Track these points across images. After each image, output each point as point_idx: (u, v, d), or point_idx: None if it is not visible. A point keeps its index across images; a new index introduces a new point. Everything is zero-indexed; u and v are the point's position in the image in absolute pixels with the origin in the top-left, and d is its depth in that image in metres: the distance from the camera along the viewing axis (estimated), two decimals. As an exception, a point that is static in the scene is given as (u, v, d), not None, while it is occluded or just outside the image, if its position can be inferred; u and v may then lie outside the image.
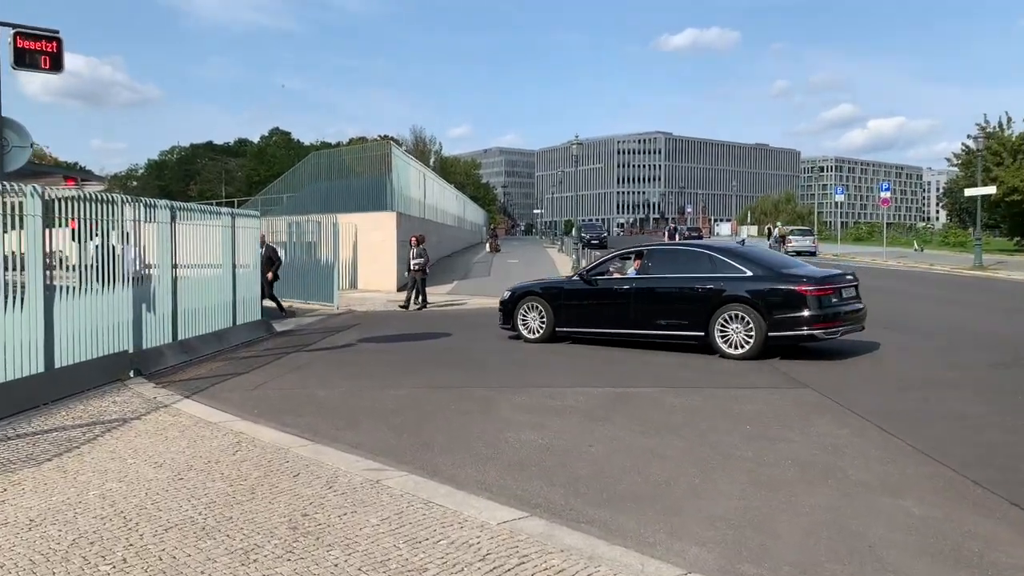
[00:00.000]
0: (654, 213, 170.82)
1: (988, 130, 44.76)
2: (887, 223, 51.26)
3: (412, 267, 19.57)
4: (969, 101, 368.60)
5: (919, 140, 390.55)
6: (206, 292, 12.84)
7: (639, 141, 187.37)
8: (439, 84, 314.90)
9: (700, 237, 79.23)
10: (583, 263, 28.90)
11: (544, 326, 12.93)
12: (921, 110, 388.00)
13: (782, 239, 50.20)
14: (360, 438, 6.99)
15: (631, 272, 12.62)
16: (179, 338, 11.73)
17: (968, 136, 54.04)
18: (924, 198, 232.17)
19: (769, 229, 55.62)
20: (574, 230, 43.67)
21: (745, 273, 11.31)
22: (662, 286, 11.89)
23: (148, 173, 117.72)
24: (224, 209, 14.08)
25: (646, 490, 5.51)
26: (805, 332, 10.85)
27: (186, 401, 8.51)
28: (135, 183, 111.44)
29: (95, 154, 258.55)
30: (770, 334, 10.87)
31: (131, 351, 10.27)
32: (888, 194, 42.90)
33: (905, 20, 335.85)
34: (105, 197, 10.09)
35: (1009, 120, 47.04)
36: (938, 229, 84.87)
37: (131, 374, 9.91)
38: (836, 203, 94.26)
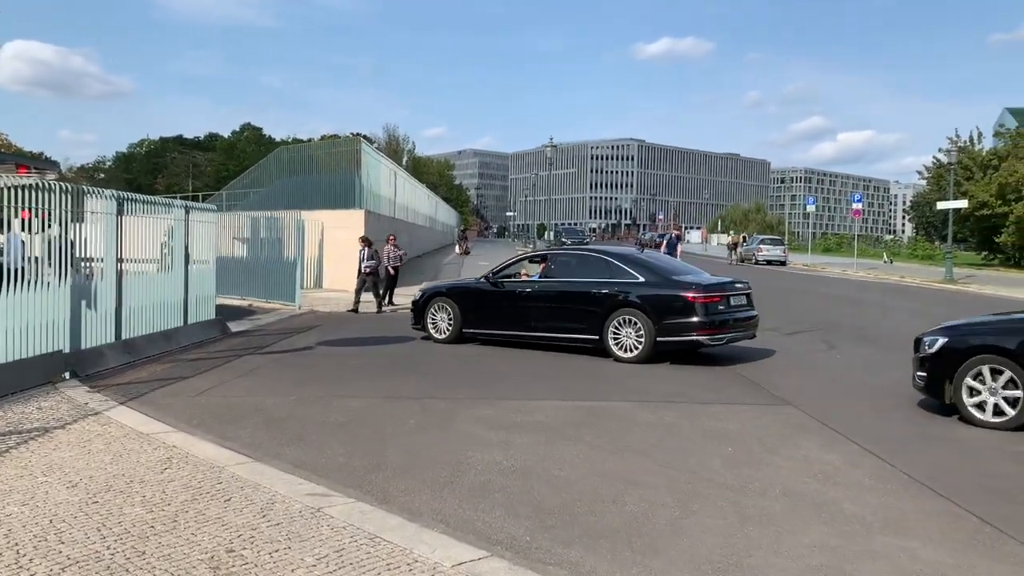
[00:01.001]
0: (626, 219, 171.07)
1: (959, 144, 44.96)
2: (856, 235, 51.33)
3: (363, 269, 18.72)
4: (936, 117, 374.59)
5: (887, 154, 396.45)
6: (155, 289, 12.08)
7: (613, 147, 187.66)
8: (416, 85, 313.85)
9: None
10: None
11: (452, 327, 13.01)
12: (890, 124, 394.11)
13: (734, 246, 52.86)
14: (305, 456, 6.33)
15: (536, 276, 12.79)
16: (123, 337, 10.97)
17: (939, 150, 54.45)
18: (891, 211, 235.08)
19: (732, 242, 55.06)
20: (551, 234, 43.33)
21: (638, 279, 11.53)
22: (561, 290, 12.13)
23: (116, 166, 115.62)
24: (178, 201, 13.31)
25: (621, 524, 4.92)
26: (691, 338, 11.05)
27: (120, 408, 7.78)
28: (102, 175, 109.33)
29: (64, 145, 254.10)
30: (658, 339, 11.06)
31: (67, 351, 9.51)
32: (860, 205, 42.89)
33: (877, 34, 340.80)
34: (42, 185, 9.32)
35: (980, 135, 47.41)
36: (906, 242, 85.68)
37: (65, 376, 9.16)
38: (806, 214, 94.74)
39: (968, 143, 47.09)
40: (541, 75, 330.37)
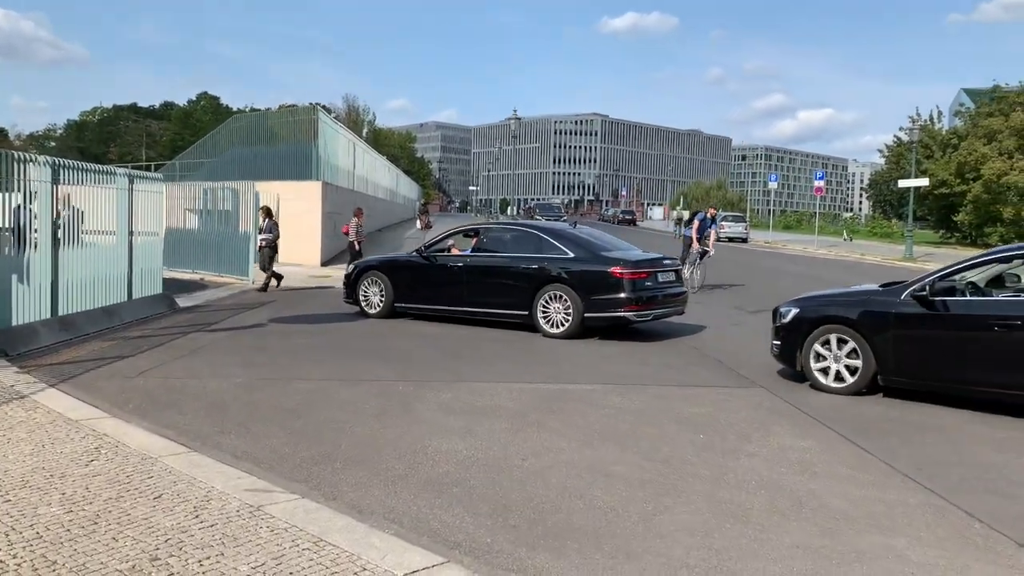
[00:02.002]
0: (589, 195, 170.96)
1: (920, 123, 45.23)
2: (817, 213, 51.61)
3: (260, 243, 17.41)
4: (894, 97, 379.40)
5: (845, 132, 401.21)
6: (95, 262, 11.40)
7: (576, 122, 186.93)
8: (378, 56, 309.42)
9: (634, 221, 79.29)
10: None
11: (384, 301, 12.83)
12: (848, 103, 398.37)
13: (679, 221, 52.71)
14: (249, 445, 5.84)
15: (468, 250, 12.65)
16: (59, 314, 10.31)
17: (900, 128, 54.81)
18: (849, 189, 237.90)
19: (678, 217, 55.14)
20: (513, 209, 42.59)
21: (567, 254, 11.48)
22: (492, 265, 12.06)
23: (67, 134, 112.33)
24: (120, 170, 12.60)
25: (590, 522, 4.54)
26: (618, 314, 11.04)
27: (49, 391, 7.20)
28: (53, 143, 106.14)
29: (16, 112, 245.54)
30: (586, 315, 11.05)
31: (-5, 328, 8.87)
32: (822, 183, 43.01)
33: (837, 13, 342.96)
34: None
35: (940, 114, 47.75)
36: (863, 220, 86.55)
37: (-7, 355, 8.53)
38: (767, 191, 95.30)
39: (928, 122, 47.44)
40: (505, 48, 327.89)
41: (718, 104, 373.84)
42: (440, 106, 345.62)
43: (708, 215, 19.22)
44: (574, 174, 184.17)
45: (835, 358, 8.06)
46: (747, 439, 6.38)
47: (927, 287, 7.62)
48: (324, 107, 37.29)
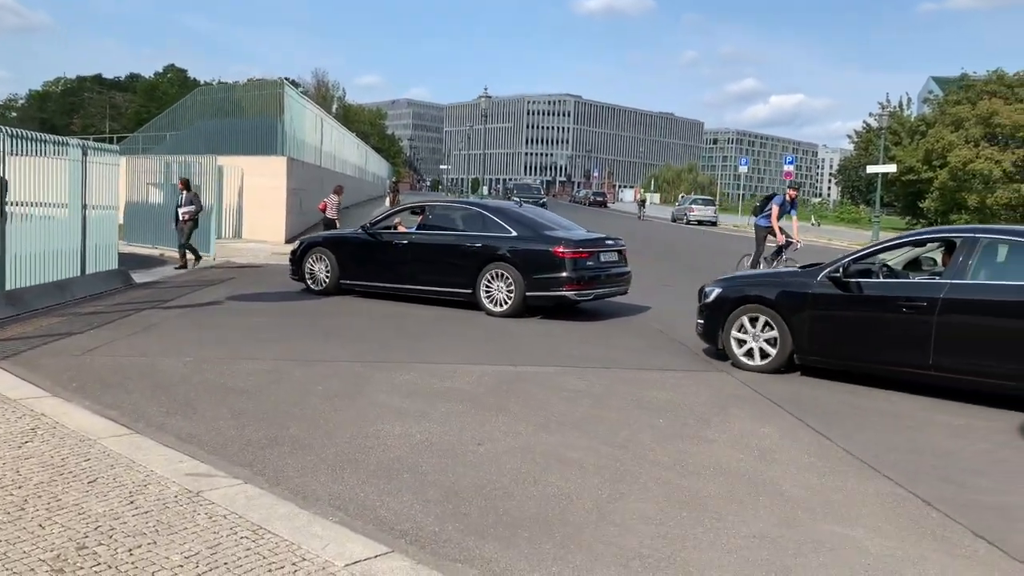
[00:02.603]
0: (561, 176, 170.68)
1: (889, 109, 45.55)
2: (787, 197, 51.90)
3: (181, 216, 16.28)
4: (865, 83, 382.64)
5: (816, 118, 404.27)
6: (47, 236, 11.04)
7: (549, 103, 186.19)
8: (350, 31, 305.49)
9: (605, 203, 79.27)
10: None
11: (329, 278, 12.77)
12: (820, 89, 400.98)
13: (642, 203, 58.32)
14: (194, 427, 5.64)
15: (414, 228, 12.62)
16: (7, 288, 9.97)
17: (870, 114, 55.24)
18: (818, 175, 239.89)
19: (639, 199, 60.33)
20: (484, 188, 42.22)
21: (511, 233, 11.45)
22: (436, 242, 12.03)
23: (29, 104, 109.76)
24: (74, 141, 12.20)
25: (543, 510, 4.41)
26: (559, 293, 11.02)
27: (-11, 369, 6.93)
28: (14, 114, 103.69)
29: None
30: (528, 294, 11.06)
31: (-63, 303, 8.53)
32: (792, 167, 43.18)
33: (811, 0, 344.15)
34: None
35: (909, 101, 48.17)
36: (831, 205, 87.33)
37: (-67, 331, 8.21)
38: (738, 174, 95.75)
39: (897, 109, 47.80)
40: (479, 26, 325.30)
41: (691, 87, 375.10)
42: (412, 83, 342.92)
43: (787, 198, 15.59)
44: (546, 155, 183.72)
45: (754, 337, 8.24)
46: (707, 424, 6.30)
47: (841, 269, 7.81)
48: (292, 82, 36.73)
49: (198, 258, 16.70)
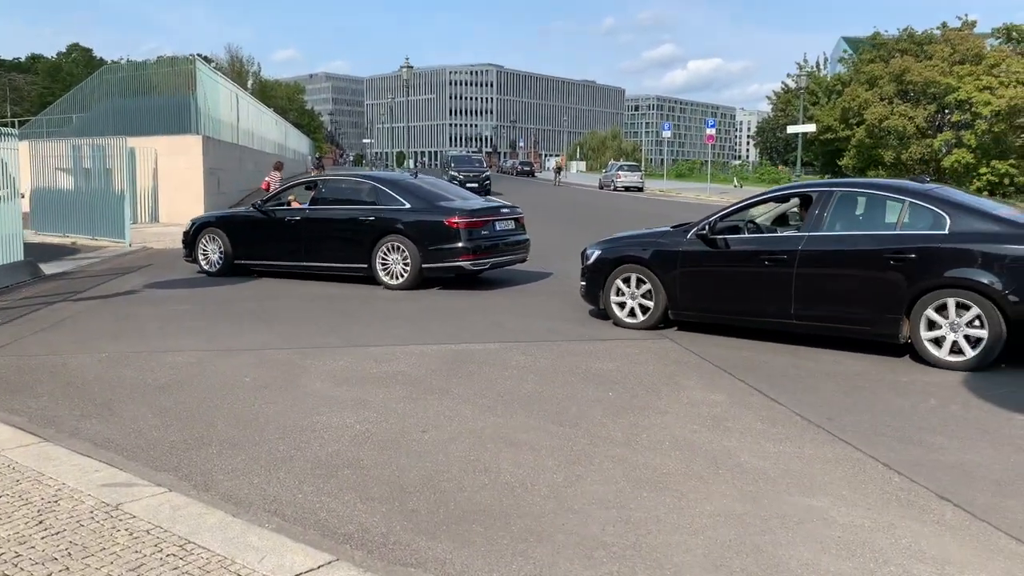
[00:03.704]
0: (487, 147, 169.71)
1: (807, 70, 46.26)
2: (709, 161, 52.53)
3: None
4: (778, 46, 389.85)
5: (733, 82, 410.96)
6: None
7: (471, 73, 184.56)
8: (264, 4, 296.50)
9: (532, 172, 79.09)
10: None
11: (223, 258, 12.55)
12: (735, 53, 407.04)
13: (559, 170, 60.62)
14: (111, 430, 5.18)
15: (307, 203, 12.36)
16: (-103, 287, 9.20)
17: (788, 75, 56.12)
18: (737, 137, 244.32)
19: (556, 166, 63.56)
20: (410, 162, 40.93)
21: (404, 205, 11.33)
22: (329, 217, 11.83)
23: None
24: (-35, 124, 11.31)
25: (496, 500, 4.14)
26: (455, 263, 11.01)
27: None
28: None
29: None
30: (424, 265, 11.03)
31: None
32: (713, 131, 43.63)
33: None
34: None
35: (826, 61, 48.94)
36: (751, 167, 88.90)
37: None
38: (662, 139, 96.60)
39: (815, 69, 48.62)
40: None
41: (611, 55, 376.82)
42: (330, 57, 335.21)
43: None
44: (471, 125, 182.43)
45: (631, 296, 8.50)
46: (657, 394, 6.11)
47: (707, 226, 8.05)
48: (205, 58, 35.21)
49: None
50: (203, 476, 4.41)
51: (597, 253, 8.88)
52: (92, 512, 3.84)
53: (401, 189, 11.58)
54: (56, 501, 3.97)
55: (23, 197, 17.03)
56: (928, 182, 7.94)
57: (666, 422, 5.45)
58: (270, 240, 12.17)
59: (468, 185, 35.10)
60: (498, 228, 11.57)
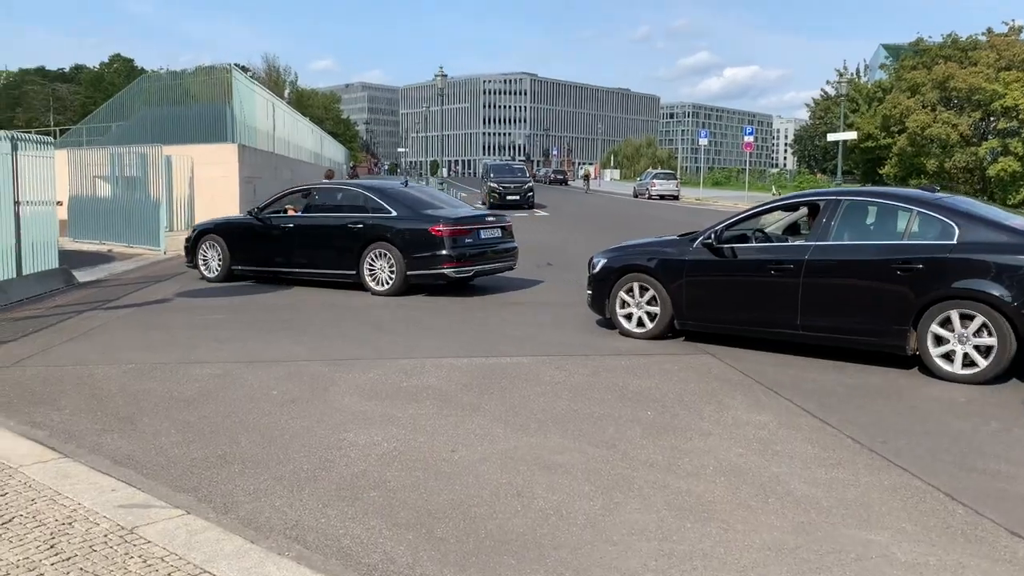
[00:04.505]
0: (520, 155, 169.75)
1: (847, 77, 45.52)
2: (747, 169, 51.84)
3: None
4: (816, 53, 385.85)
5: (770, 89, 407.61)
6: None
7: (505, 82, 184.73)
8: (302, 15, 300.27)
9: (565, 180, 78.88)
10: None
11: (222, 265, 12.76)
12: (773, 60, 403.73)
13: (586, 178, 63.76)
14: (133, 446, 5.02)
15: (300, 211, 12.62)
16: (-69, 294, 9.20)
17: (827, 82, 55.29)
18: (774, 145, 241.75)
19: (585, 174, 66.77)
20: (443, 171, 40.52)
21: (391, 213, 11.51)
22: (320, 224, 12.04)
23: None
24: (2, 133, 11.33)
25: (529, 528, 3.89)
26: (438, 271, 11.14)
27: (-97, 387, 6.23)
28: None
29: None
30: (408, 272, 11.19)
31: None
32: (751, 138, 43.04)
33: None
34: None
35: (866, 68, 48.15)
36: (788, 176, 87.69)
37: None
38: (698, 148, 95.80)
39: (855, 76, 47.79)
40: (431, 6, 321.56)
41: (646, 62, 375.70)
42: (366, 67, 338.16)
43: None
44: (504, 134, 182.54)
45: (637, 305, 8.42)
46: (699, 415, 5.82)
47: (713, 235, 7.97)
48: (243, 67, 35.56)
49: None
50: (223, 497, 4.22)
51: (603, 262, 8.79)
52: (106, 536, 3.66)
53: (389, 197, 11.75)
54: (70, 523, 3.80)
55: (60, 205, 17.27)
56: (938, 191, 7.75)
57: (710, 445, 5.16)
58: (265, 247, 12.37)
59: (509, 198, 33.87)
60: (483, 236, 11.70)
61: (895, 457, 4.94)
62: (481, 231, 11.70)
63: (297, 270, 12.11)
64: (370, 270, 11.40)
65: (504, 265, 12.17)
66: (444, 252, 11.02)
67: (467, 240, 11.36)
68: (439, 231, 11.06)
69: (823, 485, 4.49)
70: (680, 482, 4.50)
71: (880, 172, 44.58)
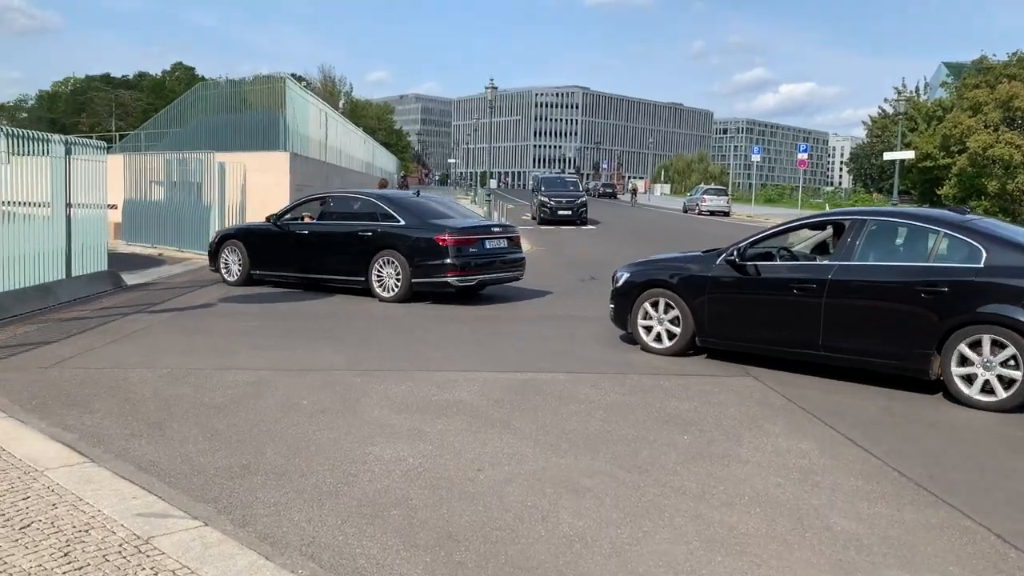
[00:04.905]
0: (570, 168, 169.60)
1: (906, 95, 44.54)
2: (800, 186, 51.00)
3: None
4: (875, 70, 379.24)
5: (826, 106, 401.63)
6: (26, 237, 10.44)
7: (557, 95, 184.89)
8: (358, 27, 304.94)
9: (614, 194, 78.53)
10: (496, 216, 26.97)
11: (242, 269, 13.09)
12: (829, 77, 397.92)
13: (634, 192, 66.59)
14: (159, 452, 5.00)
15: (316, 218, 12.88)
16: (-17, 293, 9.39)
17: (885, 100, 54.19)
18: (829, 163, 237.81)
19: (633, 188, 69.91)
20: (493, 182, 40.34)
21: (399, 222, 11.77)
22: (333, 231, 12.30)
23: (39, 104, 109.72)
24: (56, 137, 11.57)
25: (553, 557, 3.75)
26: (442, 279, 11.31)
27: (-55, 385, 6.32)
28: (24, 114, 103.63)
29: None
30: (413, 280, 11.39)
31: (-99, 311, 7.94)
32: (806, 155, 42.35)
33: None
34: None
35: (926, 86, 47.07)
36: (844, 194, 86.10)
37: None
38: (751, 164, 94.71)
39: (914, 94, 46.74)
40: (486, 20, 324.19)
41: (700, 77, 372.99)
42: (420, 79, 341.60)
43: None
44: (555, 147, 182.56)
45: (659, 320, 8.40)
46: (738, 441, 5.61)
47: (737, 252, 7.90)
48: (299, 77, 36.12)
49: None
50: (243, 509, 4.15)
51: (626, 276, 8.78)
52: (121, 546, 3.61)
53: (399, 206, 12.02)
54: (87, 531, 3.77)
55: (114, 208, 17.63)
56: (968, 213, 7.53)
57: (747, 473, 4.96)
58: (282, 253, 12.67)
59: (560, 213, 31.90)
60: (488, 246, 11.89)
61: (944, 493, 4.68)
62: (486, 241, 11.89)
63: (311, 275, 12.40)
64: (378, 277, 11.65)
65: (510, 275, 12.31)
66: (448, 261, 11.22)
67: (472, 249, 11.55)
68: (444, 240, 11.25)
69: (865, 520, 4.26)
70: (713, 512, 4.31)
71: (938, 192, 43.44)
